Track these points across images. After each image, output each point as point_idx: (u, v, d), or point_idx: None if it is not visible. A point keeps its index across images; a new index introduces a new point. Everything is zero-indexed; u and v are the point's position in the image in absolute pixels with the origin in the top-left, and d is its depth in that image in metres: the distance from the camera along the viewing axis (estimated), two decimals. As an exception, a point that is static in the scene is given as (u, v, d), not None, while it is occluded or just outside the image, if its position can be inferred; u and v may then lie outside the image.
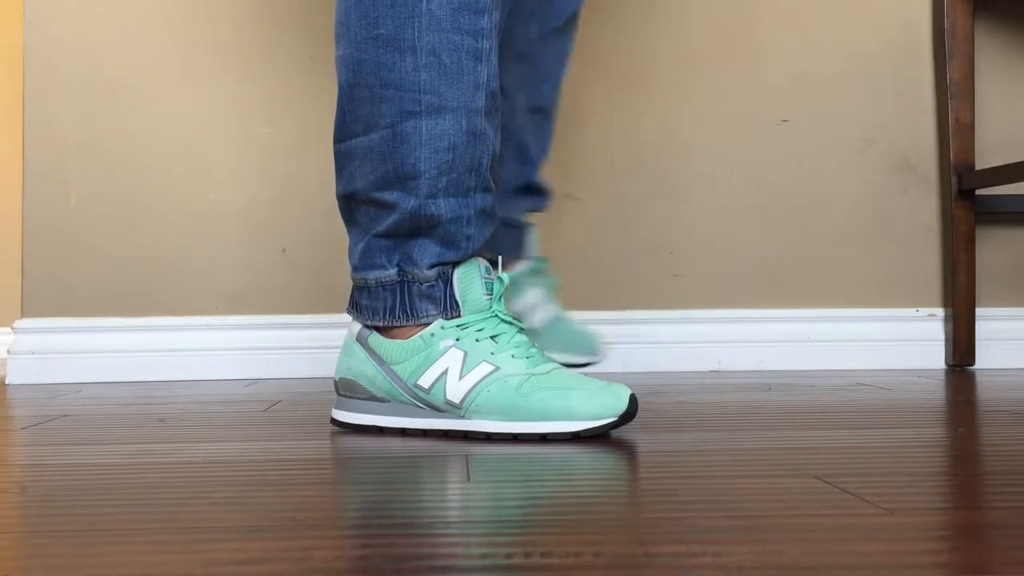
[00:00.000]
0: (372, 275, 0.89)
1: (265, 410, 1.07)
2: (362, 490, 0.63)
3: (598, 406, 0.82)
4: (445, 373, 0.85)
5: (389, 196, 0.87)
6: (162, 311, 1.53)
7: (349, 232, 0.93)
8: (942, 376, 1.42)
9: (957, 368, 1.55)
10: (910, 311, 1.60)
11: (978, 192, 1.57)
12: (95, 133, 1.53)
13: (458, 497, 0.60)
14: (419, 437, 0.85)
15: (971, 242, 1.55)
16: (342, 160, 0.91)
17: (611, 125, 1.58)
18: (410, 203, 0.86)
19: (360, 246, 0.90)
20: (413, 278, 0.88)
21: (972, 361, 1.55)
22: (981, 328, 1.57)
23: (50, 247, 1.52)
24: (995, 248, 1.62)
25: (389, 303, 0.89)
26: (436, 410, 0.86)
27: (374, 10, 0.85)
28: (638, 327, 1.55)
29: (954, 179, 1.56)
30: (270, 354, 1.52)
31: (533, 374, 0.84)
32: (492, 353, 0.85)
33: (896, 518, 0.53)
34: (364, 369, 0.89)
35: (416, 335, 0.87)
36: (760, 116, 1.60)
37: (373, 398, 0.89)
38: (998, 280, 1.61)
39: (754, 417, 0.95)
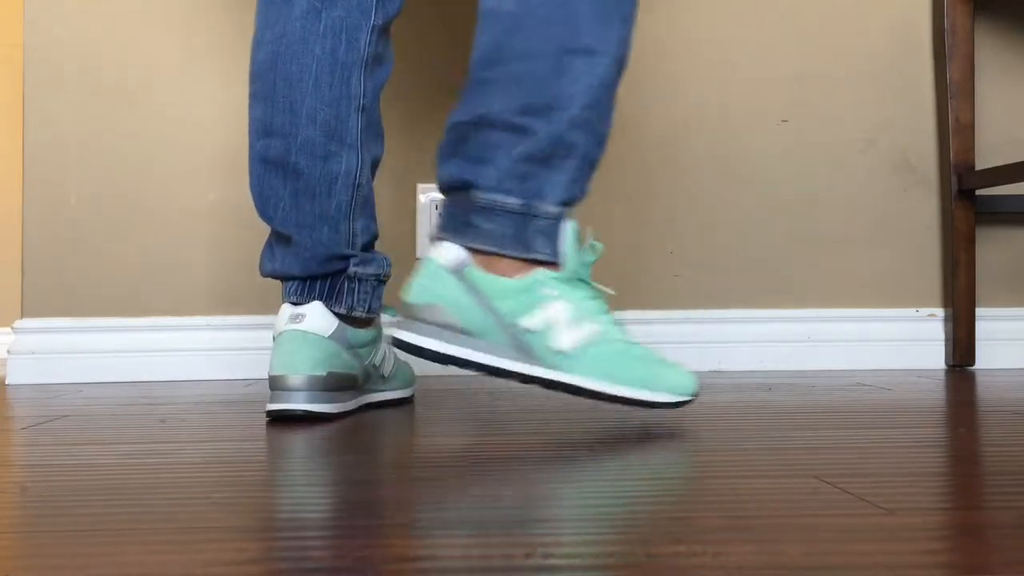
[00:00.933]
0: (498, 198, 0.90)
1: (265, 410, 1.07)
2: (362, 490, 0.63)
3: (688, 382, 0.90)
4: (553, 321, 0.88)
5: (531, 121, 0.89)
6: (162, 311, 1.53)
7: (457, 160, 0.93)
8: (942, 376, 1.42)
9: (957, 368, 1.55)
10: (910, 311, 1.60)
11: (978, 192, 1.57)
12: (95, 133, 1.53)
13: (458, 497, 0.60)
14: (425, 434, 0.85)
15: (971, 242, 1.55)
16: (480, 85, 0.92)
17: (611, 125, 1.58)
18: (552, 129, 0.89)
19: (491, 169, 0.90)
20: (536, 212, 0.90)
21: (972, 361, 1.55)
22: (981, 328, 1.57)
23: (50, 247, 1.52)
24: (995, 248, 1.62)
25: (508, 231, 0.90)
26: (526, 355, 0.88)
27: None
28: (638, 327, 1.55)
29: (954, 179, 1.56)
30: (270, 354, 1.52)
31: (630, 343, 0.90)
32: (596, 314, 0.90)
33: (896, 518, 0.53)
34: (455, 296, 0.89)
35: (521, 276, 0.89)
36: (760, 116, 1.60)
37: (455, 328, 0.88)
38: (998, 280, 1.61)
39: (754, 417, 0.95)
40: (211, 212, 1.54)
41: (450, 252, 0.90)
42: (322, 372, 0.96)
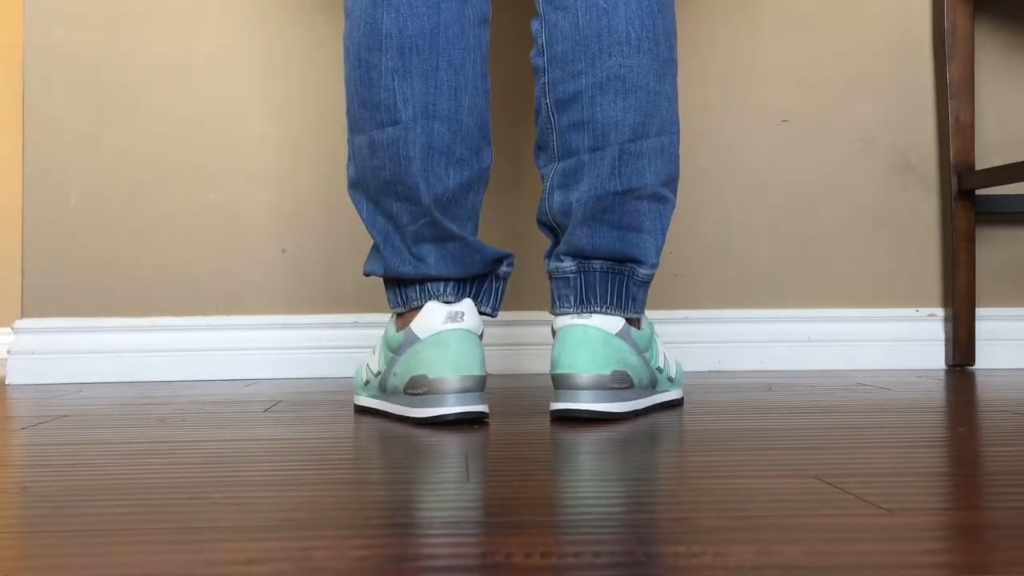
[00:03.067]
0: (654, 272, 1.00)
1: (265, 410, 1.07)
2: (362, 490, 0.63)
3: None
4: (664, 354, 1.04)
5: (669, 192, 1.00)
6: (162, 311, 1.53)
7: (605, 229, 0.98)
8: (942, 376, 1.42)
9: (957, 368, 1.55)
10: (910, 311, 1.60)
11: (978, 192, 1.57)
12: (95, 133, 1.53)
13: (458, 497, 0.60)
14: (427, 434, 0.85)
15: (971, 242, 1.55)
16: (632, 157, 0.97)
17: (611, 125, 1.58)
18: (676, 196, 1.02)
19: (651, 245, 0.99)
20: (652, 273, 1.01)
21: (972, 361, 1.55)
22: (981, 328, 1.58)
23: (50, 247, 1.52)
24: (995, 248, 1.62)
25: (646, 294, 1.02)
26: (654, 388, 1.00)
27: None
28: (638, 327, 1.55)
29: (954, 179, 1.56)
30: (270, 354, 1.52)
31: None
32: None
33: (896, 518, 0.53)
34: (631, 360, 0.96)
35: (643, 325, 1.01)
36: (760, 116, 1.60)
37: (629, 385, 0.95)
38: (998, 280, 1.61)
39: (754, 417, 0.95)
40: (211, 212, 1.54)
41: (616, 322, 0.96)
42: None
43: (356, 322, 1.54)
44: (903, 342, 1.58)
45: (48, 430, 0.92)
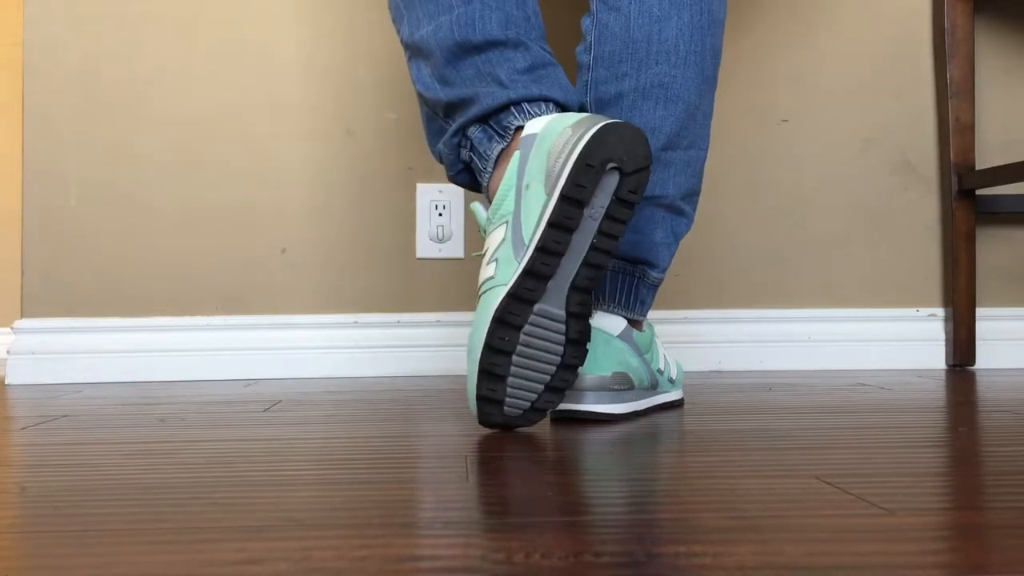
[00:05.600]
0: (664, 276, 1.02)
1: (265, 410, 1.07)
2: (362, 490, 0.63)
3: None
4: (664, 356, 1.04)
5: (688, 207, 1.01)
6: (162, 311, 1.53)
7: (642, 228, 0.99)
8: (942, 376, 1.42)
9: (957, 368, 1.55)
10: (910, 311, 1.60)
11: (978, 192, 1.57)
12: (95, 133, 1.53)
13: (458, 497, 0.60)
14: (427, 434, 0.85)
15: (971, 242, 1.55)
16: (657, 164, 0.97)
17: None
18: (695, 214, 1.03)
19: (665, 252, 1.00)
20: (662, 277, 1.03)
21: (972, 361, 1.55)
22: (981, 328, 1.57)
23: (50, 247, 1.52)
24: (995, 248, 1.62)
25: (653, 298, 1.03)
26: (655, 389, 1.01)
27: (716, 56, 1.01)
28: (638, 327, 1.55)
29: (954, 179, 1.56)
30: (270, 354, 1.52)
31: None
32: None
33: (896, 518, 0.53)
34: (632, 362, 0.96)
35: (644, 327, 1.02)
36: (760, 116, 1.60)
37: (630, 387, 0.95)
38: (998, 280, 1.61)
39: (754, 417, 0.95)
40: (211, 212, 1.54)
41: (619, 323, 0.96)
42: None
43: (356, 322, 1.54)
44: (903, 342, 1.58)
45: (48, 430, 0.92)
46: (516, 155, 0.86)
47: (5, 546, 0.49)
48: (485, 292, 0.83)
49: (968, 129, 1.56)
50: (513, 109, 0.90)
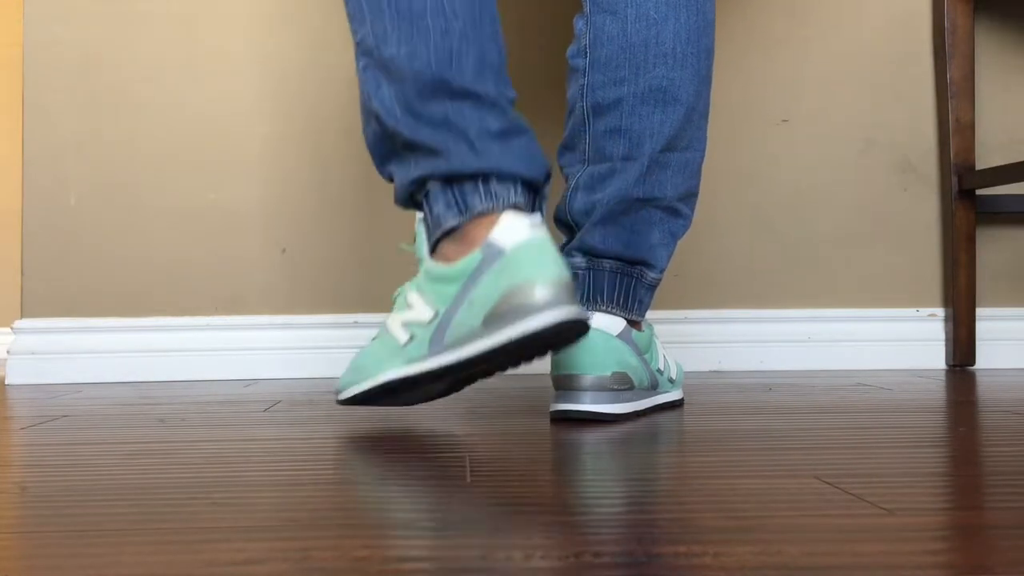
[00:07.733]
0: (662, 276, 1.02)
1: (265, 410, 1.07)
2: (362, 490, 0.63)
3: None
4: (664, 356, 1.04)
5: (685, 208, 1.01)
6: (162, 311, 1.53)
7: (617, 230, 0.99)
8: (942, 376, 1.42)
9: (957, 368, 1.55)
10: (910, 311, 1.60)
11: (978, 192, 1.57)
12: (95, 133, 1.53)
13: (458, 497, 0.60)
14: (427, 434, 0.85)
15: (971, 242, 1.55)
16: (659, 167, 0.98)
17: (611, 125, 1.58)
18: (693, 214, 1.03)
19: (663, 252, 1.01)
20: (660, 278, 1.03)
21: (972, 361, 1.55)
22: (981, 328, 1.57)
23: (50, 247, 1.52)
24: (995, 248, 1.62)
25: (651, 298, 1.03)
26: (655, 388, 1.01)
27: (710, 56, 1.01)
28: (638, 327, 1.55)
29: (954, 179, 1.56)
30: (270, 354, 1.52)
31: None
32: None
33: (896, 518, 0.53)
34: (632, 361, 0.96)
35: (644, 327, 1.02)
36: (760, 116, 1.60)
37: (630, 387, 0.95)
38: (998, 280, 1.61)
39: (754, 417, 0.95)
40: (211, 212, 1.54)
41: (618, 323, 0.96)
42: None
43: (356, 322, 1.54)
44: (903, 342, 1.58)
45: (48, 430, 0.92)
46: (477, 256, 0.79)
47: (5, 546, 0.49)
48: (393, 345, 0.86)
49: (968, 129, 1.56)
50: (480, 184, 0.82)
